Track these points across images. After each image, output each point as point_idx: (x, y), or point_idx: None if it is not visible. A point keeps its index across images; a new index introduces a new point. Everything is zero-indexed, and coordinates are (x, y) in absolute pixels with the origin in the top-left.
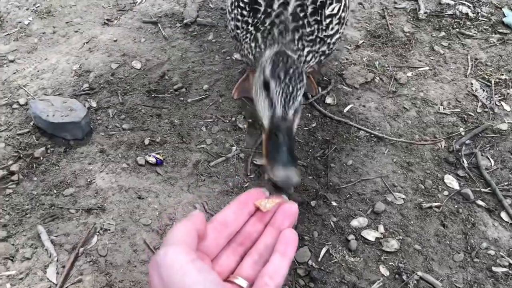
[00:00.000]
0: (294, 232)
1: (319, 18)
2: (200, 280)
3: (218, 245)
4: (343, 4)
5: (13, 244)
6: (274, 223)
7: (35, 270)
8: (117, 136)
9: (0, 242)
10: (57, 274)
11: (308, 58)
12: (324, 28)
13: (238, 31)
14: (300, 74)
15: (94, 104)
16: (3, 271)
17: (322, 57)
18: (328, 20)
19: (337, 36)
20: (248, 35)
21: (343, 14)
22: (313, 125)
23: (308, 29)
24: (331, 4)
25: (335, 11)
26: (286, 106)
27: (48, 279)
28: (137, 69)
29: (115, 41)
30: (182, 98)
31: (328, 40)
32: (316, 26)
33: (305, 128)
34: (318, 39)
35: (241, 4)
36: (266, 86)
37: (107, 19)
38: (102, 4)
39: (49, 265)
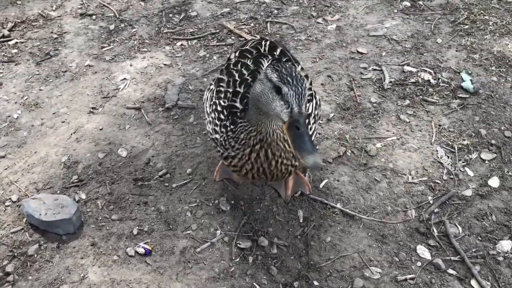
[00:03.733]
0: None
1: None
2: None
3: None
4: (314, 102)
5: None
6: None
7: None
8: (107, 228)
9: None
10: None
11: None
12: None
13: (217, 136)
14: (301, 75)
15: (83, 196)
16: None
17: None
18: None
19: (315, 133)
20: (230, 140)
21: (315, 112)
22: (292, 202)
23: None
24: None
25: (310, 110)
26: (300, 103)
27: None
28: (123, 157)
29: (101, 129)
30: (167, 184)
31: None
32: None
33: (284, 206)
34: None
35: (219, 108)
36: (278, 90)
37: (92, 107)
38: (86, 92)
39: None
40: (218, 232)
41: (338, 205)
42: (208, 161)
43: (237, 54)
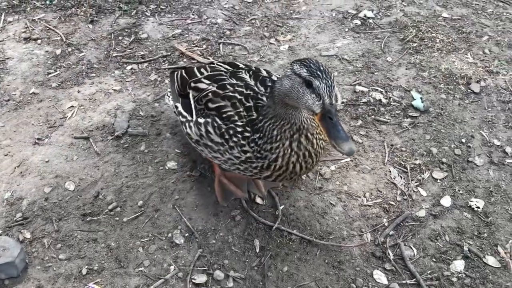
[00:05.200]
0: None
1: None
2: None
3: None
4: None
5: None
6: None
7: None
8: (54, 268)
9: None
10: None
11: None
12: None
13: (249, 154)
14: (328, 69)
15: (28, 235)
16: None
17: None
18: None
19: None
20: (265, 145)
21: None
22: (248, 231)
23: None
24: None
25: None
26: (331, 95)
27: None
28: (70, 190)
29: (47, 162)
30: (117, 218)
31: None
32: None
33: (240, 236)
34: None
35: (239, 129)
36: (309, 84)
37: (38, 138)
38: (32, 122)
39: None
40: (172, 267)
41: (295, 232)
42: (161, 191)
43: (207, 81)
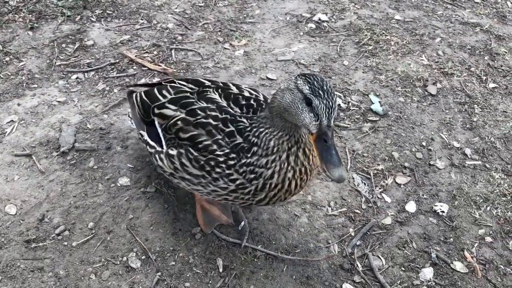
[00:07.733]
0: None
1: None
2: None
3: None
4: None
5: None
6: None
7: None
8: None
9: None
10: None
11: None
12: None
13: (239, 181)
14: (332, 89)
15: None
16: None
17: None
18: None
19: None
20: (261, 159)
21: None
22: (210, 250)
23: None
24: None
25: None
26: (330, 116)
27: None
28: (11, 215)
29: None
30: (66, 243)
31: None
32: None
33: (202, 255)
34: None
35: (221, 159)
36: (308, 102)
37: None
38: None
39: None
40: None
41: (260, 247)
42: (113, 211)
43: (173, 107)
